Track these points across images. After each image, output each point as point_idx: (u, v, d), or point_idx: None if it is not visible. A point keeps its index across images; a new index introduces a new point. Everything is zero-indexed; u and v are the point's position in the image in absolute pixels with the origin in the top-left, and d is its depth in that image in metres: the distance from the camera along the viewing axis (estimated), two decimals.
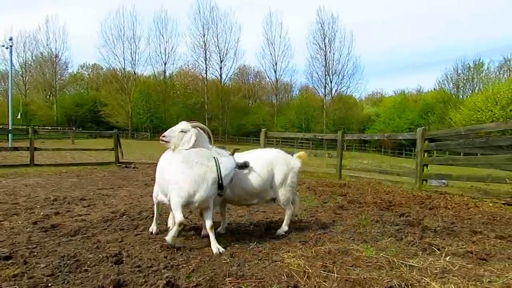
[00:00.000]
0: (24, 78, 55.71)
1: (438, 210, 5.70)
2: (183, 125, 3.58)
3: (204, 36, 55.78)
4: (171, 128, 3.58)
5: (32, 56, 55.79)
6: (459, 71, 49.89)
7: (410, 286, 2.45)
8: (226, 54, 57.02)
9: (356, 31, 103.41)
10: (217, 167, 3.21)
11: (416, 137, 8.67)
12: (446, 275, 2.72)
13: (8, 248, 3.14)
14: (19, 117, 34.67)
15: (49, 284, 2.40)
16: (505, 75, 43.22)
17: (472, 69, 47.94)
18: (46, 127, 43.50)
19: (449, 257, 3.13)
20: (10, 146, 17.60)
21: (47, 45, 55.41)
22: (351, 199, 6.48)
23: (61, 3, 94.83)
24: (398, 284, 2.46)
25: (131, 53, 55.16)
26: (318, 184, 8.77)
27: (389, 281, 2.50)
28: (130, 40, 54.87)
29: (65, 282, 2.44)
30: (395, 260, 2.97)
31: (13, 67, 32.10)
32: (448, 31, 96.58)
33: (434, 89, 54.54)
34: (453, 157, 12.37)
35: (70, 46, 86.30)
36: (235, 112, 57.61)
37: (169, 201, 3.21)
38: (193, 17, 56.49)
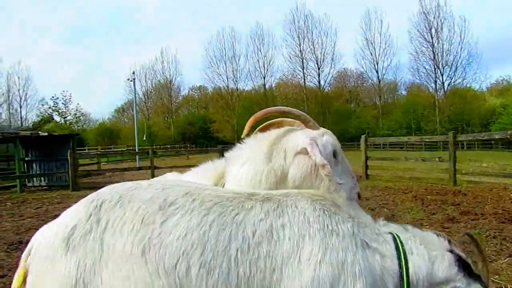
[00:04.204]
0: (146, 104, 64.16)
1: None
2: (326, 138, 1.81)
3: (300, 45, 56.32)
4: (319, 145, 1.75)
5: (151, 85, 64.07)
6: None
7: None
8: (323, 61, 56.51)
9: (469, 14, 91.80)
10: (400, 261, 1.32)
11: None
12: None
13: None
14: (144, 138, 39.78)
15: None
16: None
17: None
18: (166, 145, 49.08)
19: None
20: (137, 166, 20.38)
21: (163, 73, 62.99)
22: (465, 210, 5.76)
23: (173, 35, 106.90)
24: None
25: (232, 71, 58.86)
26: (427, 192, 8.02)
27: None
28: (231, 59, 58.68)
29: None
30: (509, 287, 2.56)
31: (137, 95, 37.09)
32: None
33: None
34: None
35: (182, 71, 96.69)
36: (337, 118, 56.32)
37: None
38: (288, 28, 57.23)
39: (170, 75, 62.82)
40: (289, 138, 1.71)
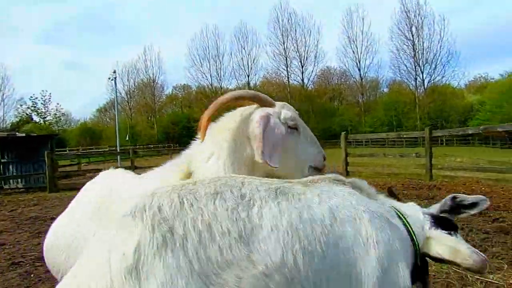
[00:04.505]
0: (129, 103, 63.27)
1: None
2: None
3: (283, 44, 56.50)
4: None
5: (134, 84, 63.20)
6: None
7: None
8: (306, 59, 56.89)
9: (448, 14, 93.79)
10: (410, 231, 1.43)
11: None
12: None
13: None
14: (127, 138, 39.28)
15: None
16: None
17: None
18: (149, 145, 48.58)
19: None
20: (119, 165, 20.15)
21: (146, 72, 62.23)
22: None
23: (156, 34, 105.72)
24: None
25: (216, 70, 58.61)
26: (403, 187, 8.20)
27: None
28: (215, 58, 58.40)
29: None
30: (469, 276, 2.66)
31: (119, 94, 36.54)
32: None
33: None
34: None
35: (165, 70, 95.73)
36: (320, 116, 56.83)
37: None
38: (272, 26, 57.36)
39: (153, 74, 62.17)
40: (247, 122, 1.64)
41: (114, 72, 25.92)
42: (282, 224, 1.09)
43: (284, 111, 1.70)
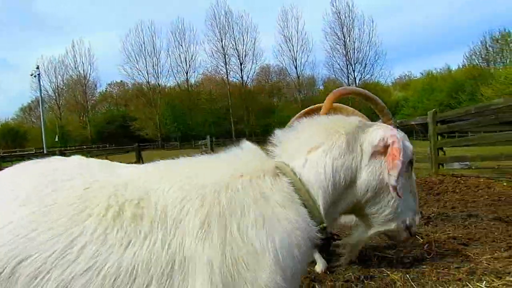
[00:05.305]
0: (58, 102, 58.76)
1: (445, 195, 5.55)
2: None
3: (221, 41, 56.43)
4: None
5: (63, 80, 58.83)
6: (487, 45, 47.65)
7: (370, 279, 2.47)
8: (245, 56, 57.44)
9: (376, 16, 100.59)
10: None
11: (427, 121, 8.42)
12: (416, 263, 2.71)
13: None
14: (56, 139, 36.67)
15: None
16: None
17: (500, 41, 45.61)
18: (82, 146, 45.76)
19: (427, 245, 3.08)
20: None
21: (75, 68, 58.22)
22: None
23: (85, 27, 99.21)
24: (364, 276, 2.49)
25: (153, 66, 56.79)
26: None
27: (348, 274, 2.53)
28: (151, 54, 56.52)
29: None
30: (366, 252, 2.97)
31: (46, 92, 33.95)
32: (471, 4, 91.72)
33: (463, 66, 52.09)
34: (466, 137, 11.85)
35: (97, 67, 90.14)
36: (260, 113, 57.83)
37: None
38: (209, 23, 56.98)
39: (83, 70, 58.34)
40: (364, 129, 1.27)
41: (38, 68, 24.03)
42: None
43: (405, 139, 1.28)
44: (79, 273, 0.86)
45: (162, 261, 0.89)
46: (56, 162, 1.20)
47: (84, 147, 44.65)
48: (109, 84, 66.87)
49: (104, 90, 65.66)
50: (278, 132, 1.31)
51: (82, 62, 58.66)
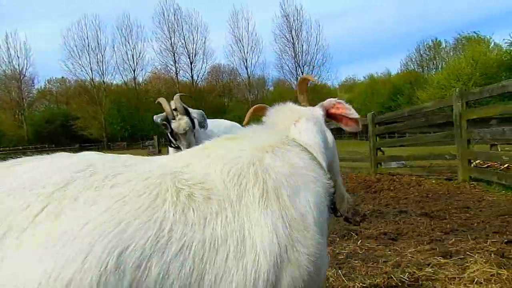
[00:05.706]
0: None
1: (381, 193, 5.93)
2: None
3: (171, 39, 55.12)
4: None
5: None
6: (421, 52, 51.98)
7: None
8: (195, 55, 56.62)
9: (323, 21, 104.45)
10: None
11: (367, 122, 8.91)
12: (348, 259, 2.87)
13: None
14: None
15: None
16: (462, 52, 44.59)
17: (432, 48, 50.07)
18: (18, 147, 42.44)
19: (360, 241, 3.29)
20: None
21: (9, 62, 53.69)
22: None
23: (20, 19, 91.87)
24: None
25: (97, 63, 53.99)
26: None
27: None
28: (95, 50, 53.68)
29: None
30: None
31: None
32: (408, 14, 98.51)
33: (401, 71, 55.93)
34: (402, 138, 12.76)
35: (35, 62, 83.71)
36: (211, 112, 56.96)
37: None
38: (158, 21, 55.42)
39: (19, 65, 53.97)
40: (307, 109, 1.67)
41: None
42: None
43: None
44: (174, 255, 0.92)
45: (236, 232, 1.02)
46: (75, 159, 1.13)
47: (20, 147, 41.45)
48: (48, 80, 62.59)
49: (42, 87, 61.44)
50: (264, 118, 1.68)
51: (18, 56, 54.37)
